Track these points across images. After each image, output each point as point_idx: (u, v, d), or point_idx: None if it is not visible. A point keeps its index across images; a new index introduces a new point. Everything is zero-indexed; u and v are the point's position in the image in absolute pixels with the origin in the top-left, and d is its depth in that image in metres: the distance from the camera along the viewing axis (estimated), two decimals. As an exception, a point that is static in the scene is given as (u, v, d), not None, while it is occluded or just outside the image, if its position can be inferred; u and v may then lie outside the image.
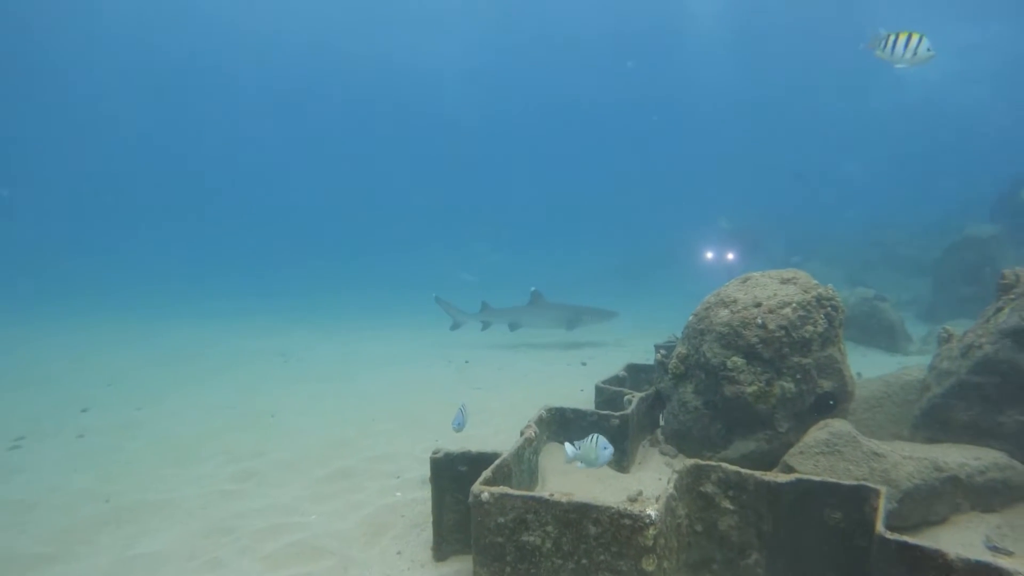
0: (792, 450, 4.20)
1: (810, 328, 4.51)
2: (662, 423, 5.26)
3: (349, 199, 58.98)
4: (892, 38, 4.31)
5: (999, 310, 4.88)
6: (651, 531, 2.79)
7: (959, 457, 4.15)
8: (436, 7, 47.39)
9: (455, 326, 13.29)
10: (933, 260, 17.21)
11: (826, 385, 4.60)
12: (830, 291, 4.68)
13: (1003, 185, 19.69)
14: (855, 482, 3.15)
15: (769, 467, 4.39)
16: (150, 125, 58.57)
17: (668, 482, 3.17)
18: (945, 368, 5.03)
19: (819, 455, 4.08)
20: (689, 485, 3.35)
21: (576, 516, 2.89)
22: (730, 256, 18.52)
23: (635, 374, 6.06)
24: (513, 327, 13.13)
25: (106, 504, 4.77)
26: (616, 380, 5.75)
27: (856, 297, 12.27)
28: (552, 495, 2.94)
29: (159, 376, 9.77)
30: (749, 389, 4.48)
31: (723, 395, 4.59)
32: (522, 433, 3.99)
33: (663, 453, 4.93)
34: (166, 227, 46.33)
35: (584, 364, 10.14)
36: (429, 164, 63.87)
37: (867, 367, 8.71)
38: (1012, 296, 4.80)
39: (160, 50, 51.00)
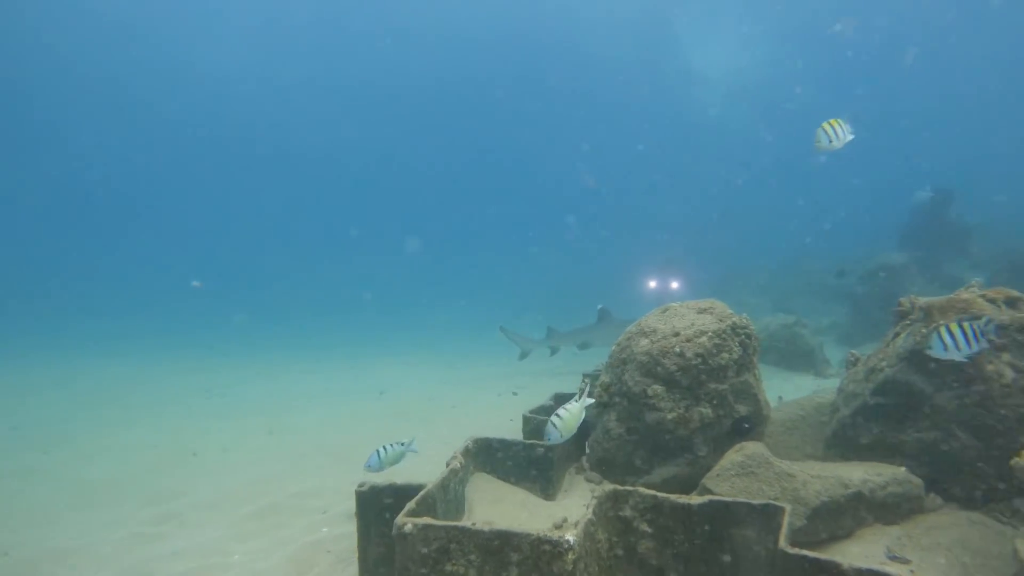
0: (710, 473, 4.36)
1: (725, 355, 4.72)
2: (588, 451, 5.36)
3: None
4: (828, 126, 4.81)
5: (897, 335, 5.24)
6: (570, 556, 2.86)
7: (863, 474, 4.39)
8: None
9: (523, 355, 12.72)
10: (851, 287, 18.20)
11: (742, 409, 4.81)
12: (744, 320, 4.93)
13: (904, 215, 21.09)
14: (763, 501, 3.32)
15: (690, 490, 4.54)
16: (75, 153, 56.44)
17: (587, 508, 3.26)
18: (851, 390, 5.34)
19: (735, 477, 4.26)
20: (608, 510, 3.44)
21: (498, 544, 2.93)
22: (674, 285, 18.94)
23: (563, 403, 6.15)
24: (583, 347, 12.87)
25: (4, 557, 4.49)
26: (544, 410, 5.83)
27: (777, 323, 12.80)
28: (474, 524, 2.98)
29: (74, 417, 9.28)
30: (669, 415, 4.64)
31: (645, 422, 4.73)
32: (448, 464, 4.01)
33: (588, 480, 5.03)
34: (97, 260, 44.11)
35: (515, 394, 10.20)
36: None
37: (788, 390, 9.10)
38: (908, 322, 5.16)
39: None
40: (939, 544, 4.07)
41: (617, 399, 4.99)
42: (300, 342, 19.54)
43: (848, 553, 4.05)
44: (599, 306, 12.95)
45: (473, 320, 24.08)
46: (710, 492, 4.21)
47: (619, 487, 3.48)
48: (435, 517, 3.45)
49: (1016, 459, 3.42)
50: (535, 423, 5.46)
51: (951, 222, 19.45)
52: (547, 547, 2.87)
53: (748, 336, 4.86)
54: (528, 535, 2.90)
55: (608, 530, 3.44)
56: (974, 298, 4.75)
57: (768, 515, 3.27)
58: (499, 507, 4.31)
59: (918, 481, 4.51)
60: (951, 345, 4.13)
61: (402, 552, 3.03)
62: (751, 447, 4.41)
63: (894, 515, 4.36)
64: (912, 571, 2.59)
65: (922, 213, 20.24)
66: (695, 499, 3.39)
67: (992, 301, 4.72)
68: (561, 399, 6.18)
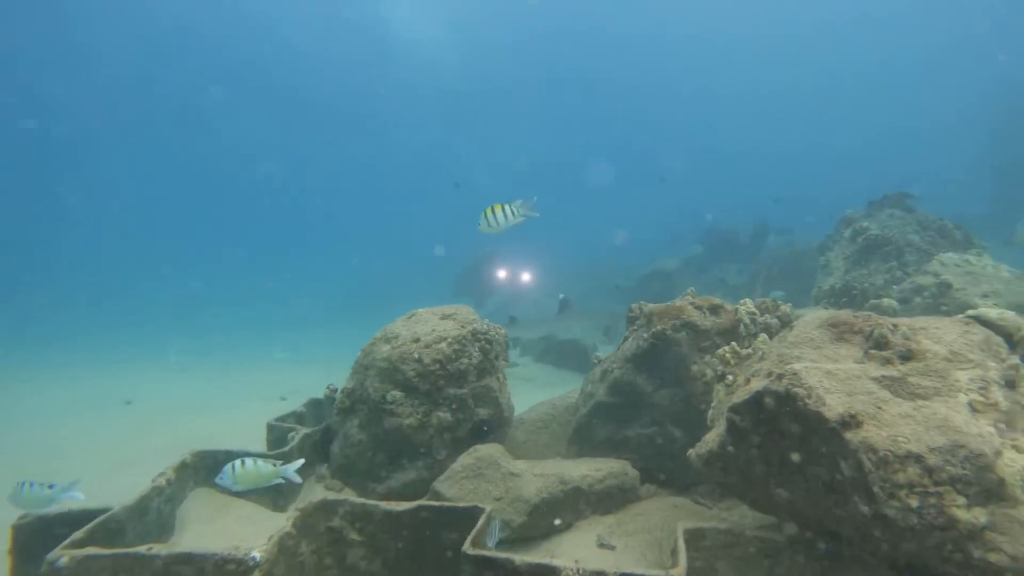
0: (441, 476, 4.45)
1: (465, 361, 4.85)
2: (330, 458, 5.24)
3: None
4: (491, 212, 5.02)
5: (626, 339, 5.72)
6: (257, 574, 2.73)
7: (584, 470, 4.73)
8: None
9: None
10: (630, 291, 19.75)
11: (483, 413, 4.98)
12: (485, 325, 5.10)
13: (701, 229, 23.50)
14: (468, 504, 3.43)
15: (430, 494, 4.60)
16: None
17: (287, 520, 3.15)
18: (589, 391, 5.74)
19: (464, 479, 4.37)
20: (316, 521, 3.36)
21: (177, 568, 2.72)
22: (526, 277, 18.93)
23: (318, 409, 5.98)
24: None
25: None
26: (294, 416, 5.63)
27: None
28: (150, 548, 2.75)
29: None
30: (407, 421, 4.67)
31: (384, 428, 4.72)
32: (153, 481, 3.68)
33: (328, 488, 4.91)
34: None
35: (284, 399, 9.71)
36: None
37: (564, 391, 9.54)
38: (635, 327, 5.64)
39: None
40: (643, 528, 4.50)
41: (359, 405, 4.93)
42: (62, 345, 16.79)
43: (564, 544, 4.34)
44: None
45: (281, 322, 22.71)
46: (439, 495, 4.29)
47: (328, 497, 3.42)
48: (124, 544, 3.14)
49: (691, 450, 3.85)
50: (280, 431, 5.24)
51: (727, 234, 21.76)
52: (231, 566, 2.73)
53: (489, 342, 5.04)
54: (211, 555, 2.74)
55: (317, 541, 3.36)
56: (685, 305, 5.31)
57: (472, 517, 3.38)
58: (219, 523, 4.06)
59: (634, 473, 4.94)
60: None
61: (59, 589, 2.71)
62: (483, 450, 4.56)
63: (611, 505, 4.74)
64: (577, 560, 2.80)
65: (706, 230, 22.62)
66: (403, 505, 3.43)
67: (699, 308, 5.31)
68: (314, 405, 6.00)
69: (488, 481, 4.35)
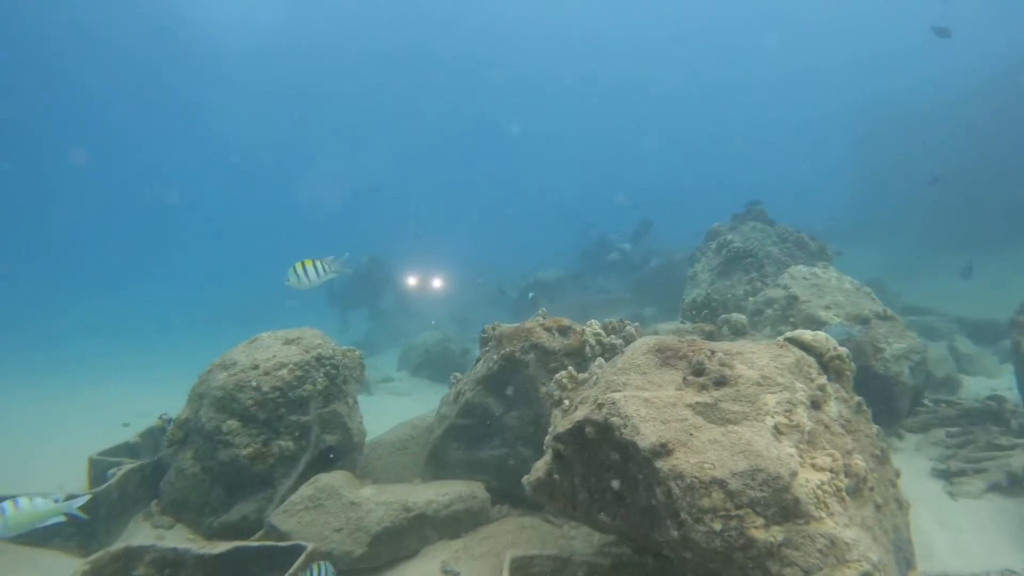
0: (277, 509, 4.27)
1: (309, 387, 4.70)
2: (161, 494, 4.92)
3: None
4: (300, 267, 5.10)
5: (478, 360, 5.74)
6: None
7: (431, 495, 4.69)
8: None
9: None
10: (511, 300, 19.89)
11: (330, 439, 4.84)
12: (331, 350, 4.96)
13: (586, 241, 24.00)
14: (290, 543, 3.32)
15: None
16: None
17: (74, 574, 2.91)
18: (444, 412, 5.71)
19: (303, 511, 4.22)
20: (118, 571, 3.12)
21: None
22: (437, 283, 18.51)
23: (156, 441, 5.59)
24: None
25: None
26: (125, 448, 5.25)
27: (433, 339, 13.44)
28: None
29: None
30: (244, 451, 4.46)
31: (219, 460, 4.49)
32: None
33: (156, 526, 4.60)
34: None
35: (127, 425, 8.89)
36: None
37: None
38: (487, 348, 5.68)
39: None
40: (491, 551, 4.51)
41: (193, 436, 4.66)
42: None
43: (407, 573, 4.28)
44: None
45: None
46: (275, 529, 4.11)
47: (133, 544, 3.19)
48: None
49: (524, 477, 3.90)
50: (104, 466, 4.85)
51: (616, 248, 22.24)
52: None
53: (334, 367, 4.91)
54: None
55: (122, 594, 3.13)
56: (535, 327, 5.40)
57: (295, 556, 3.27)
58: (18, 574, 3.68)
59: (483, 496, 4.95)
60: None
61: None
62: (324, 479, 4.43)
63: (459, 529, 4.72)
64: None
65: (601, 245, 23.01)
66: (219, 547, 3.27)
67: (548, 330, 5.41)
68: (151, 435, 5.61)
69: (328, 512, 4.22)
